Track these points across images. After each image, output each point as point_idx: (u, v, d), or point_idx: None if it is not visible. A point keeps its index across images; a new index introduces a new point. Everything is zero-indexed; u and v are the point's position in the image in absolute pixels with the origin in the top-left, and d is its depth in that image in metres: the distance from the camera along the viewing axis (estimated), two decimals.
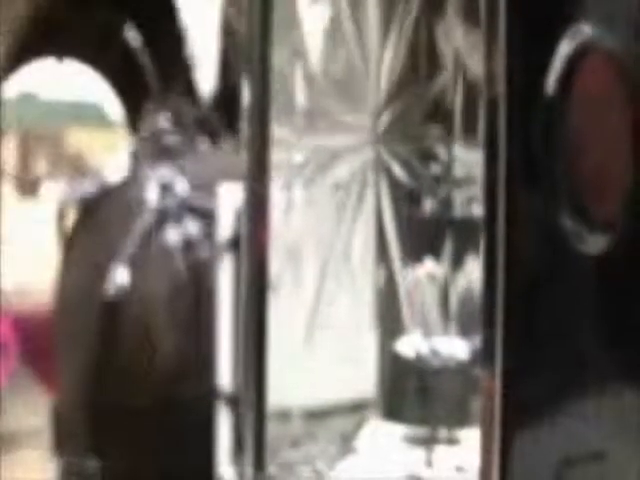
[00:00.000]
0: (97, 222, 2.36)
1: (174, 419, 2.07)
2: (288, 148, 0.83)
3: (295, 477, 0.83)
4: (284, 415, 0.85)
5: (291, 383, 0.85)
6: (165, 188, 2.19)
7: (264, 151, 0.79)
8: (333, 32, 0.81)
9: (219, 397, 2.28)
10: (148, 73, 2.40)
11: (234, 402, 2.41)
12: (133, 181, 2.46)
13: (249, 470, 0.82)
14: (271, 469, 0.81)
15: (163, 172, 2.23)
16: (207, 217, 2.16)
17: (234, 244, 2.44)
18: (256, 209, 0.79)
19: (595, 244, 0.71)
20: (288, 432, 0.86)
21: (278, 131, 0.81)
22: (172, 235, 2.13)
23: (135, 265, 2.13)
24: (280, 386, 0.82)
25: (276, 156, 0.80)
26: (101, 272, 2.15)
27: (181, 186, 2.18)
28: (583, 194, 0.69)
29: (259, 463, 0.80)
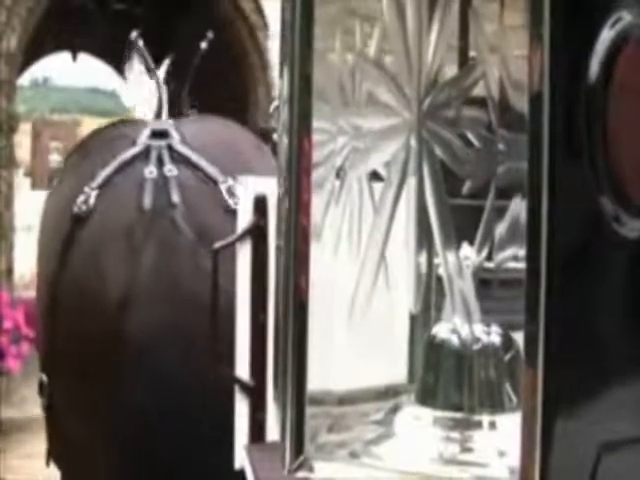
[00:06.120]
0: (82, 153, 2.39)
1: (117, 351, 2.07)
2: (330, 131, 0.83)
3: (331, 460, 0.83)
4: (321, 400, 0.86)
5: (329, 369, 0.85)
6: (155, 133, 2.21)
7: (304, 137, 0.79)
8: (379, 22, 0.82)
9: (238, 385, 2.28)
10: (148, 62, 2.43)
11: (251, 390, 2.41)
12: (126, 125, 2.48)
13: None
14: (308, 451, 0.82)
15: (158, 124, 2.26)
16: (191, 166, 2.17)
17: (253, 232, 2.43)
18: (297, 194, 0.80)
19: (634, 228, 0.71)
20: (325, 416, 0.86)
21: (321, 115, 0.81)
22: (147, 172, 2.14)
23: (105, 190, 2.15)
24: (318, 372, 0.83)
25: (317, 138, 0.80)
26: (77, 192, 2.17)
27: (173, 135, 2.20)
28: (623, 179, 0.70)
29: (299, 446, 0.81)
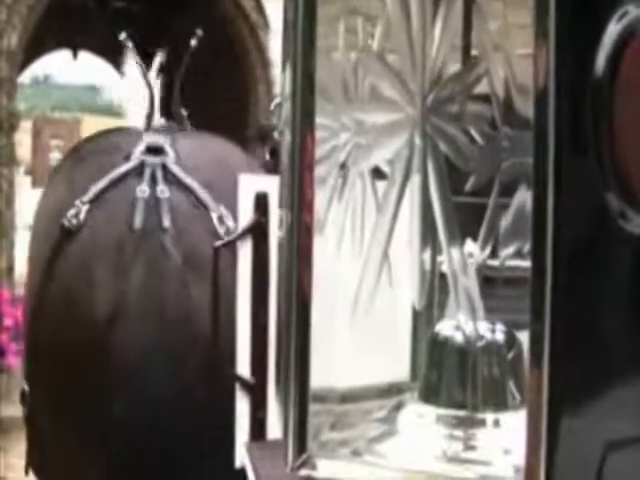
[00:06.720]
0: (75, 159, 2.39)
1: (103, 364, 2.08)
2: (332, 128, 0.83)
3: (334, 457, 0.83)
4: (324, 398, 0.85)
5: (331, 367, 0.85)
6: (150, 150, 2.22)
7: (307, 134, 0.79)
8: (381, 21, 0.82)
9: (238, 382, 2.28)
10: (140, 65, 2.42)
11: (252, 388, 2.41)
12: (121, 135, 2.49)
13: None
14: (311, 449, 0.81)
15: (153, 138, 2.26)
16: (183, 189, 2.18)
17: (254, 230, 2.43)
18: (300, 190, 0.79)
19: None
20: (328, 414, 0.86)
21: (323, 111, 0.81)
22: (139, 191, 2.15)
23: (96, 205, 2.16)
24: (320, 370, 0.83)
25: (320, 135, 0.80)
26: (68, 204, 2.18)
27: (168, 153, 2.20)
28: (629, 175, 0.69)
29: (301, 444, 0.81)
